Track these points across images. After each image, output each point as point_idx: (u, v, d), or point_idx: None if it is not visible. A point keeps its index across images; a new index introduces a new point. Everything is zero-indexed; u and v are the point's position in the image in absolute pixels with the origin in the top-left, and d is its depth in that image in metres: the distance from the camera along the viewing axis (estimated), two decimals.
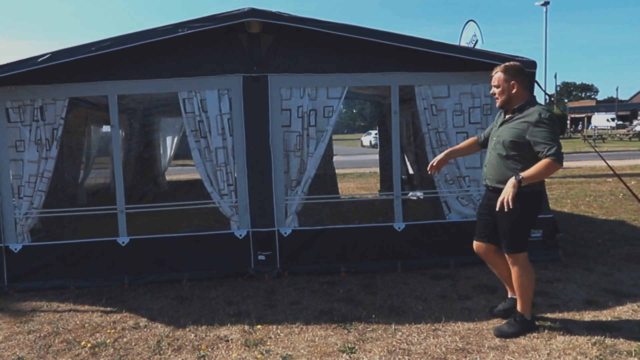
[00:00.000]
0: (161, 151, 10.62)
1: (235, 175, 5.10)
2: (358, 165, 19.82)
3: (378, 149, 9.03)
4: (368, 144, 34.10)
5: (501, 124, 3.50)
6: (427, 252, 5.24)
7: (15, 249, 5.04)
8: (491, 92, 3.52)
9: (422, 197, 7.94)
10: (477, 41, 9.48)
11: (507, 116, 3.48)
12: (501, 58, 4.98)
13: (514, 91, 3.39)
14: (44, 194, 5.10)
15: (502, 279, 3.80)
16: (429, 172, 3.79)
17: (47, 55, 4.72)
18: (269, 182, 5.08)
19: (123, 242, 5.10)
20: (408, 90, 5.88)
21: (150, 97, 6.84)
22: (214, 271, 5.10)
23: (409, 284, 4.73)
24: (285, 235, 5.13)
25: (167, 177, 10.86)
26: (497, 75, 3.45)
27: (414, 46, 4.94)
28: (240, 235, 5.12)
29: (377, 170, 13.81)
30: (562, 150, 3.20)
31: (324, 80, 5.06)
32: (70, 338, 3.81)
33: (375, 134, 34.30)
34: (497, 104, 3.48)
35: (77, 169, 7.78)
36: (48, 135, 5.04)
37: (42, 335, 3.90)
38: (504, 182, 3.28)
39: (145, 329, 3.92)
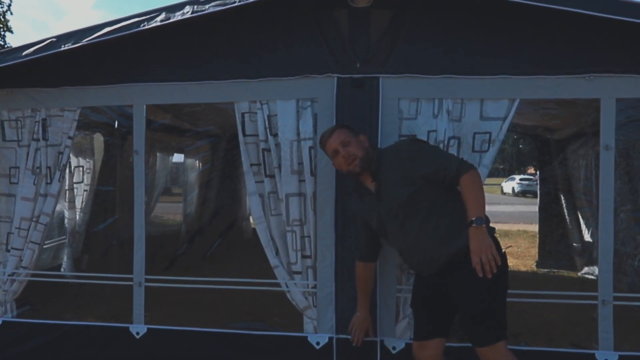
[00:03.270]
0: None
1: (316, 242, 3.24)
2: (498, 219, 16.73)
3: (538, 203, 6.62)
4: (510, 191, 30.16)
5: (375, 197, 2.72)
6: None
7: None
8: (336, 162, 2.79)
9: None
10: None
11: (370, 184, 2.75)
12: None
13: (367, 144, 2.79)
14: (38, 248, 3.62)
15: None
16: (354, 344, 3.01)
17: (47, 41, 3.29)
18: None
19: (138, 333, 3.43)
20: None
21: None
22: None
23: None
24: (393, 352, 3.13)
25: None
26: (337, 133, 2.77)
27: None
28: (318, 343, 3.21)
29: (529, 228, 10.76)
30: None
31: (476, 88, 3.07)
32: None
33: (521, 179, 30.33)
34: (357, 169, 2.71)
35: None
36: (50, 162, 3.59)
37: None
38: (446, 244, 2.53)
39: None
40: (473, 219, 2.41)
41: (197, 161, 7.61)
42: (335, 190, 3.18)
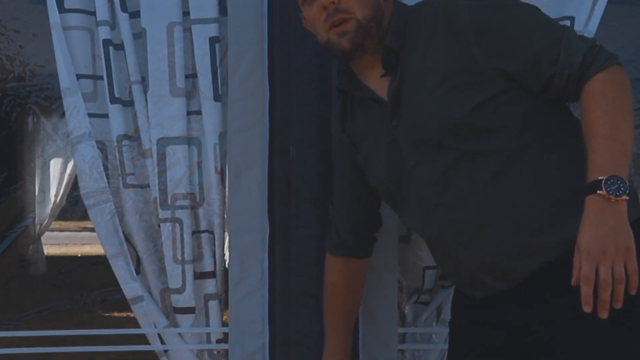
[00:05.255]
0: (36, 190, 6.81)
1: (225, 243, 1.64)
2: None
3: None
4: None
5: (389, 111, 1.27)
6: None
7: None
8: (308, 16, 1.33)
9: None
10: None
11: (377, 80, 1.31)
12: None
13: None
14: None
15: None
16: None
17: None
18: None
19: None
20: None
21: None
22: None
23: None
24: None
25: (46, 249, 6.97)
26: None
27: None
28: None
29: None
30: None
31: None
32: None
33: None
34: (344, 43, 1.25)
35: None
36: None
37: None
38: (550, 229, 1.18)
39: None
40: (601, 178, 1.10)
41: None
42: (268, 127, 1.59)
